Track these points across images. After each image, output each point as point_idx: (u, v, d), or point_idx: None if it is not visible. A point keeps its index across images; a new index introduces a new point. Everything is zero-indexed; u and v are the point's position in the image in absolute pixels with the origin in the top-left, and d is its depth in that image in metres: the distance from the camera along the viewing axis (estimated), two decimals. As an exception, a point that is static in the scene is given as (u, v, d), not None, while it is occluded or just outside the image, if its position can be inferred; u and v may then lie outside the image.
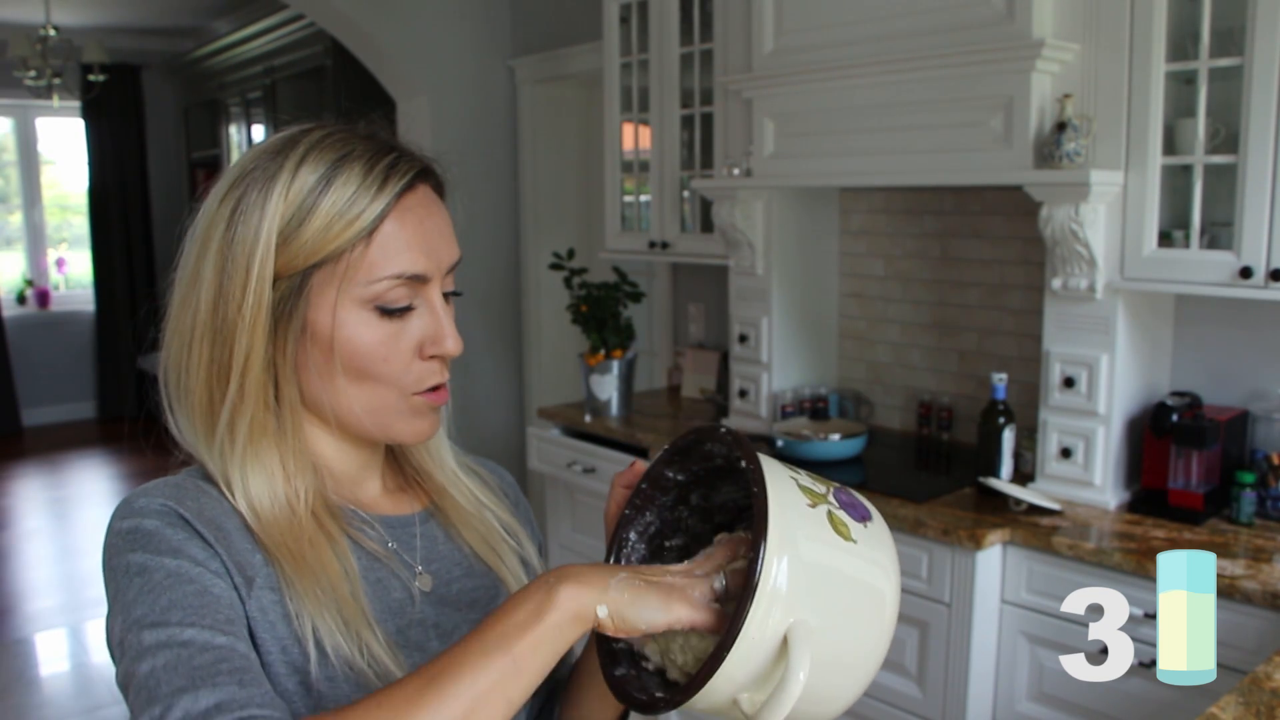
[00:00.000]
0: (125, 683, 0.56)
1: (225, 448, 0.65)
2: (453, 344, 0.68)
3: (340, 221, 0.64)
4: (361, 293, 0.65)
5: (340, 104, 4.23)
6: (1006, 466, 1.92)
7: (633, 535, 0.65)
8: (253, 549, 0.63)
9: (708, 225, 2.52)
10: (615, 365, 2.61)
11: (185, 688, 0.53)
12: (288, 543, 0.63)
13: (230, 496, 0.64)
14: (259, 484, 0.65)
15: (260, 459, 0.65)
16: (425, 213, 0.68)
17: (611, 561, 0.64)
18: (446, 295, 0.70)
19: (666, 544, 0.66)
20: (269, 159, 0.66)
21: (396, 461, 0.78)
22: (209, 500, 0.64)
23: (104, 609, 0.61)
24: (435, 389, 0.70)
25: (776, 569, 0.52)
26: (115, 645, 0.58)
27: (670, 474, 0.65)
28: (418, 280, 0.67)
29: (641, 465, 0.67)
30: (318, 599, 0.62)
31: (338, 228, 0.64)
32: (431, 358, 0.68)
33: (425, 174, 0.69)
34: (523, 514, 0.84)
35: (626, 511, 0.65)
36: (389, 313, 0.66)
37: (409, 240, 0.66)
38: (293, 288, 0.65)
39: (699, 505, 0.67)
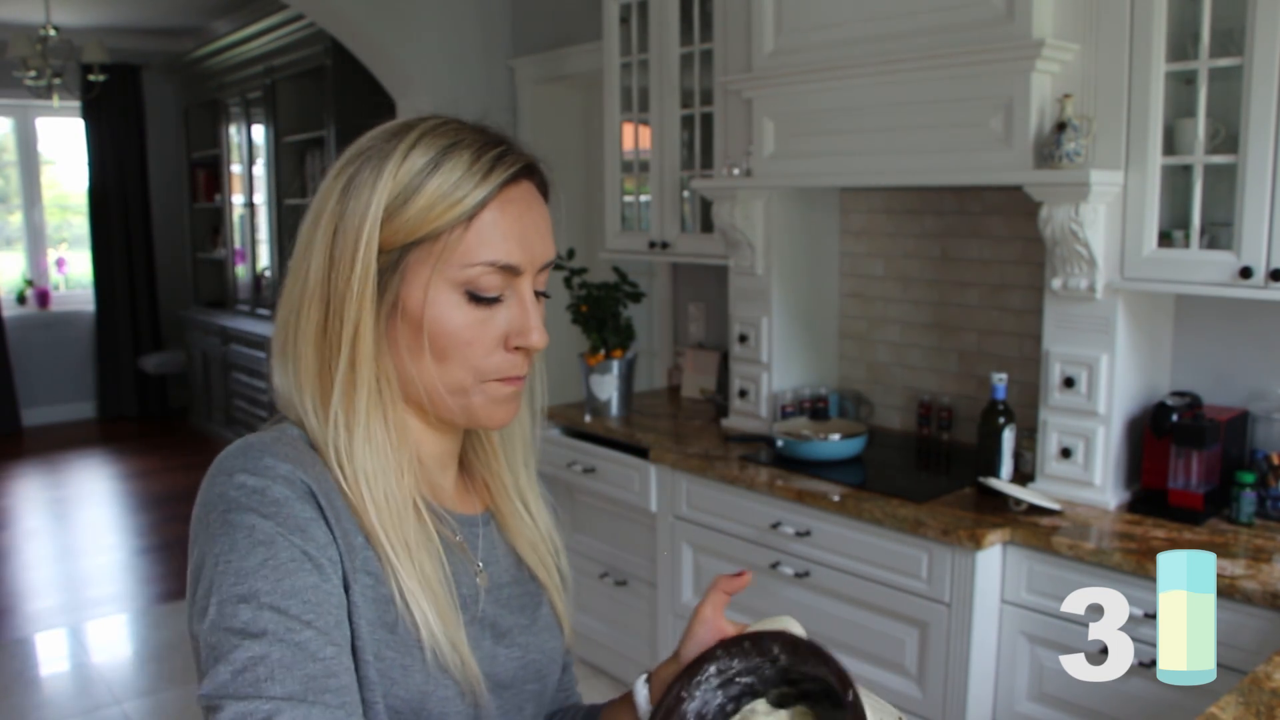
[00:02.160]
0: (212, 643, 0.57)
1: (340, 421, 0.65)
2: (538, 337, 0.69)
3: (444, 203, 0.65)
4: (455, 275, 0.66)
5: (340, 104, 4.23)
6: (1006, 466, 1.92)
7: (713, 670, 0.65)
8: (355, 529, 0.64)
9: (708, 225, 2.52)
10: (615, 365, 2.61)
11: (297, 696, 0.55)
12: (396, 528, 0.64)
13: (340, 472, 0.65)
14: (373, 464, 0.65)
15: (374, 438, 0.66)
16: (526, 207, 0.69)
17: (679, 688, 0.65)
18: (537, 294, 0.71)
19: (738, 679, 0.66)
20: (384, 140, 0.68)
21: (469, 455, 0.79)
22: (322, 472, 0.64)
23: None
24: (513, 379, 0.70)
25: None
26: (212, 602, 0.58)
27: (775, 649, 0.64)
28: (510, 271, 0.67)
29: (749, 577, 0.71)
30: (418, 588, 0.64)
31: (440, 208, 0.65)
32: (516, 349, 0.69)
33: (530, 170, 0.70)
34: (557, 521, 0.85)
35: (718, 651, 0.65)
36: (479, 299, 0.67)
37: (507, 230, 0.67)
38: (390, 263, 0.66)
39: (783, 667, 0.65)
